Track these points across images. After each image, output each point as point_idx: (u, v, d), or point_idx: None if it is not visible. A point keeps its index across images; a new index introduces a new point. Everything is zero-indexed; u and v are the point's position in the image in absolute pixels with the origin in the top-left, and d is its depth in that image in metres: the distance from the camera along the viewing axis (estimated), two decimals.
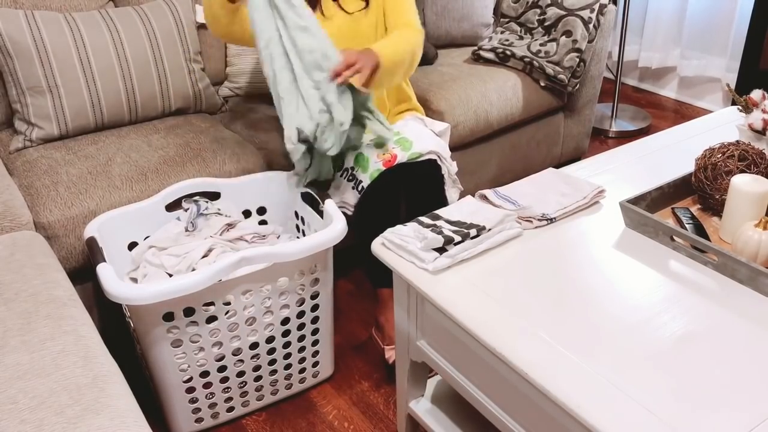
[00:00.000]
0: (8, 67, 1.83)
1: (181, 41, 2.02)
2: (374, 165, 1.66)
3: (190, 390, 1.54)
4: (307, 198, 1.75)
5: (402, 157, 1.66)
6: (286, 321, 1.59)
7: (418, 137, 1.72)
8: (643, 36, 3.37)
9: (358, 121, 1.67)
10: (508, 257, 1.26)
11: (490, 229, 1.28)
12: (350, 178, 1.70)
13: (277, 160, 1.92)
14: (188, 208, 1.71)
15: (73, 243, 1.64)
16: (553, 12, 2.39)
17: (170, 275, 1.56)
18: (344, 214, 1.69)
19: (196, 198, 1.73)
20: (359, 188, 1.67)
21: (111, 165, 1.77)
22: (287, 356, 1.64)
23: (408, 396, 1.48)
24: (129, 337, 1.69)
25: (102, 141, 1.89)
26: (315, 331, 1.66)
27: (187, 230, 1.69)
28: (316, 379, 1.74)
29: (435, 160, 1.71)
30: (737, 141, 1.43)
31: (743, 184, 1.27)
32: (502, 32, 2.53)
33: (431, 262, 1.21)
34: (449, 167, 1.76)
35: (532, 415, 1.08)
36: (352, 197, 1.70)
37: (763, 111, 1.48)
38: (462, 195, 1.73)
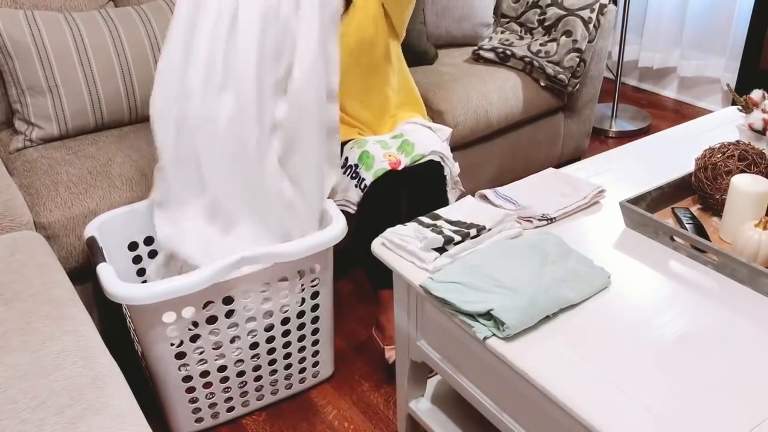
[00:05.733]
0: (8, 67, 1.83)
1: None
2: (380, 164, 1.66)
3: (190, 390, 1.54)
4: None
5: (405, 161, 1.67)
6: (286, 321, 1.59)
7: (421, 140, 1.73)
8: (643, 36, 3.37)
9: None
10: None
11: (490, 229, 1.28)
12: (353, 175, 1.70)
13: None
14: None
15: (73, 243, 1.64)
16: (553, 12, 2.39)
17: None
18: (347, 212, 1.69)
19: None
20: (362, 186, 1.67)
21: (111, 165, 1.77)
22: (287, 356, 1.64)
23: (408, 396, 1.48)
24: (129, 337, 1.69)
25: (102, 141, 1.89)
26: (315, 331, 1.66)
27: None
28: (316, 379, 1.74)
29: (438, 161, 1.71)
30: (737, 141, 1.43)
31: (743, 184, 1.27)
32: (502, 32, 2.53)
33: (431, 262, 1.21)
34: (452, 168, 1.76)
35: (532, 415, 1.08)
36: (355, 195, 1.70)
37: (763, 111, 1.48)
38: (462, 195, 1.73)
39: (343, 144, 1.78)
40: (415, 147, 1.69)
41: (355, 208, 1.70)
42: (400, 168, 1.67)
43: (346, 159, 1.72)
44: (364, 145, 1.70)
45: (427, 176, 1.69)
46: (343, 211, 1.68)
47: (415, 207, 1.67)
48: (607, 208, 1.42)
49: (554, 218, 1.36)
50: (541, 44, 2.37)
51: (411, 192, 1.69)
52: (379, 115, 1.88)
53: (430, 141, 1.73)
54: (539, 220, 1.35)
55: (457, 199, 1.74)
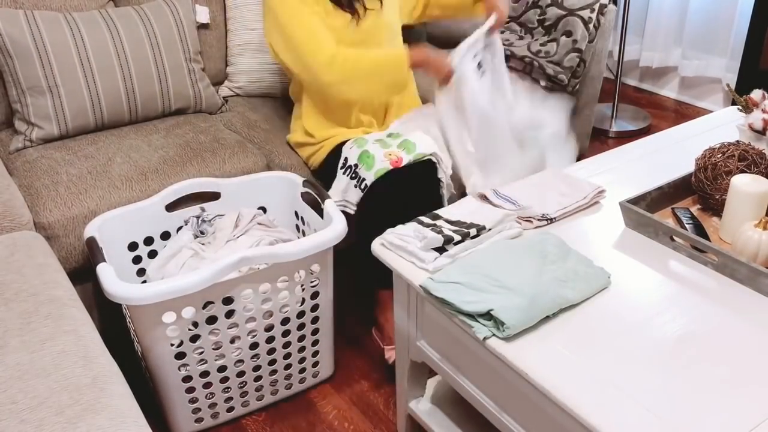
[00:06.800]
0: (8, 67, 1.83)
1: (181, 41, 2.02)
2: (381, 163, 1.65)
3: (190, 390, 1.54)
4: (307, 198, 1.75)
5: (407, 159, 1.67)
6: (286, 321, 1.59)
7: (420, 140, 1.73)
8: (644, 36, 3.37)
9: None
10: None
11: (490, 229, 1.28)
12: (353, 175, 1.69)
13: (277, 160, 1.92)
14: (188, 221, 1.72)
15: (73, 243, 1.64)
16: (553, 12, 2.39)
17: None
18: (346, 213, 1.69)
19: (189, 218, 1.73)
20: (362, 186, 1.67)
21: (111, 165, 1.77)
22: (287, 356, 1.64)
23: (408, 396, 1.48)
24: (129, 337, 1.69)
25: (102, 141, 1.89)
26: (315, 331, 1.66)
27: (196, 236, 1.70)
28: (316, 379, 1.74)
29: (434, 162, 1.71)
30: (737, 141, 1.43)
31: (743, 184, 1.27)
32: (502, 32, 2.52)
33: (431, 262, 1.21)
34: (446, 170, 1.76)
35: (532, 415, 1.08)
36: (354, 196, 1.69)
37: (763, 111, 1.48)
38: (461, 195, 1.73)
39: (342, 144, 1.79)
40: (417, 146, 1.69)
41: (355, 208, 1.70)
42: (402, 165, 1.66)
43: (346, 159, 1.72)
44: (364, 145, 1.70)
45: (424, 176, 1.70)
46: (342, 212, 1.67)
47: (411, 206, 1.66)
48: (607, 208, 1.42)
49: (554, 218, 1.36)
50: (541, 44, 2.37)
51: (407, 191, 1.68)
52: (381, 116, 1.92)
53: (428, 142, 1.74)
54: (539, 220, 1.35)
55: (449, 201, 1.74)
